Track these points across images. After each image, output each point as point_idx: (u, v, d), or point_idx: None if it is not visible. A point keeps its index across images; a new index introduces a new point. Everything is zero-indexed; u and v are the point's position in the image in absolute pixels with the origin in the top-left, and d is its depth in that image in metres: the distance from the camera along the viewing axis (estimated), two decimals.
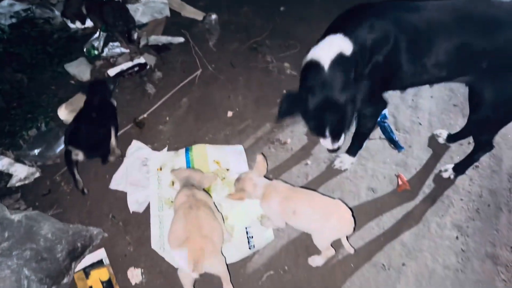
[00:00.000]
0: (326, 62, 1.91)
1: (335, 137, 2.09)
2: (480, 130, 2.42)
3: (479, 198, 2.68)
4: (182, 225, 2.03)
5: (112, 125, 2.61)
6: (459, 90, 3.22)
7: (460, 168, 2.68)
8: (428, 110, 3.08)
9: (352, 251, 2.24)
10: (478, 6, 2.02)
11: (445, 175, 2.71)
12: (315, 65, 1.94)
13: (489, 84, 2.08)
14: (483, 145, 2.50)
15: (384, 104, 2.31)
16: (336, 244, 2.23)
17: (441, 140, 2.89)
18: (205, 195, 2.27)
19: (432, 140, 2.91)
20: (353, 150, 2.68)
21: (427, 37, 2.01)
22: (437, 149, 2.87)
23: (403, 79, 2.16)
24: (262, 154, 2.31)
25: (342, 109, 1.94)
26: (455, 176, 2.70)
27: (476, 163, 2.80)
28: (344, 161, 2.71)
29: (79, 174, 2.53)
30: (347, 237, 2.26)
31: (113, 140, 2.63)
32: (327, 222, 2.11)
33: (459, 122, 3.03)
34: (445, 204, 2.63)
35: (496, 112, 2.17)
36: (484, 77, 2.07)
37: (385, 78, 2.13)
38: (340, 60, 1.91)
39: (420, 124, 2.99)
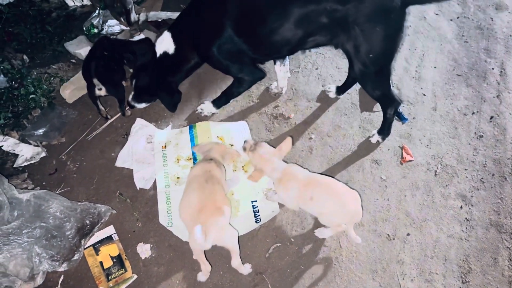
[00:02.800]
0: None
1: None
2: (366, 87, 2.42)
3: (483, 167, 2.68)
4: (197, 196, 2.08)
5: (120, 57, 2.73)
6: (462, 60, 3.18)
7: (382, 131, 2.67)
8: (431, 81, 3.05)
9: (359, 241, 2.25)
10: None
11: (373, 140, 2.72)
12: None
13: (345, 39, 2.15)
14: (385, 102, 2.49)
15: (259, 74, 2.55)
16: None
17: (332, 94, 2.92)
18: (221, 173, 2.29)
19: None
20: (218, 102, 2.79)
21: (261, 12, 2.18)
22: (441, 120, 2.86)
23: (259, 51, 2.39)
24: (291, 137, 2.31)
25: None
26: (383, 139, 2.70)
27: (480, 133, 2.80)
28: (205, 108, 2.82)
29: (88, 152, 2.55)
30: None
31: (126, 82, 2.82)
32: (341, 209, 2.14)
33: (463, 92, 3.00)
34: (449, 174, 2.64)
35: (364, 64, 2.19)
36: (335, 32, 2.15)
37: (237, 52, 2.35)
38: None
39: (424, 95, 2.96)
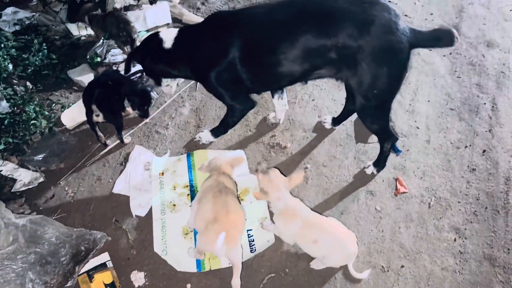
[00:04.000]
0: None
1: None
2: (365, 121, 2.46)
3: (476, 200, 2.72)
4: (210, 206, 2.16)
5: (126, 98, 2.76)
6: (455, 95, 3.27)
7: (378, 163, 2.70)
8: (425, 114, 3.12)
9: (364, 276, 2.30)
10: (309, 2, 2.16)
11: (368, 171, 2.75)
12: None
13: (350, 74, 2.18)
14: (383, 136, 2.54)
15: (251, 104, 2.60)
16: None
17: (328, 125, 2.97)
18: (233, 185, 2.36)
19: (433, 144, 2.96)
20: (216, 132, 2.81)
21: (269, 41, 2.19)
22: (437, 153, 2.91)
23: (259, 82, 2.42)
24: (305, 171, 2.41)
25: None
26: (377, 171, 2.73)
27: (473, 167, 2.85)
28: (203, 137, 2.85)
29: (85, 178, 2.58)
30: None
31: (129, 109, 2.89)
32: (342, 252, 2.20)
33: (456, 126, 3.07)
34: (442, 206, 2.67)
35: (367, 99, 2.23)
36: (341, 68, 2.19)
37: (235, 80, 2.36)
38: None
39: (418, 128, 3.03)
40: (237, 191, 2.45)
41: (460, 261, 2.47)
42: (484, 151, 2.95)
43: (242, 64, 2.27)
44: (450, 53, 3.54)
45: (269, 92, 3.03)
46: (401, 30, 2.04)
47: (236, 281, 2.14)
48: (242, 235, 2.30)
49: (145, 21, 3.44)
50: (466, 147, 2.96)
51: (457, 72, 3.41)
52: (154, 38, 2.51)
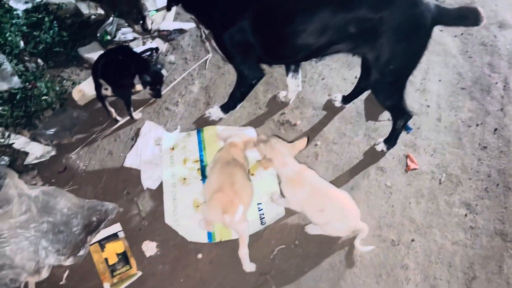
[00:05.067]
0: None
1: None
2: (379, 96, 2.46)
3: (488, 177, 2.72)
4: (217, 176, 2.21)
5: (137, 73, 2.72)
6: (467, 74, 3.26)
7: (389, 141, 2.70)
8: (436, 93, 3.12)
9: (366, 250, 2.31)
10: None
11: (378, 148, 2.75)
12: None
13: (368, 48, 2.17)
14: (396, 113, 2.53)
15: (258, 74, 2.55)
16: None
17: (338, 103, 2.96)
18: (243, 159, 2.38)
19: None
20: (226, 107, 2.82)
21: (286, 12, 2.16)
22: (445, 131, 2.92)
23: (271, 52, 2.40)
24: (308, 138, 2.35)
25: None
26: (387, 149, 2.73)
27: (484, 144, 2.85)
28: (213, 113, 2.85)
29: (97, 152, 2.62)
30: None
31: (139, 87, 2.86)
32: (345, 225, 2.24)
33: (467, 105, 3.07)
34: (453, 183, 2.68)
35: (382, 74, 2.23)
36: (360, 42, 2.16)
37: (246, 45, 2.33)
38: None
39: (428, 106, 3.03)
40: (248, 165, 2.47)
41: (471, 235, 2.48)
42: (495, 129, 2.95)
43: (254, 31, 2.24)
44: (462, 34, 3.53)
45: (279, 70, 3.06)
46: (425, 5, 2.01)
47: (243, 251, 2.17)
48: (248, 207, 2.32)
49: (155, 1, 3.45)
50: (477, 125, 2.96)
51: (468, 52, 3.41)
52: None
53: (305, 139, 2.30)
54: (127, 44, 3.21)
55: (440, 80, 3.20)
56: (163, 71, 3.01)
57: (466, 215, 2.55)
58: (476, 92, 3.15)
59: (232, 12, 2.28)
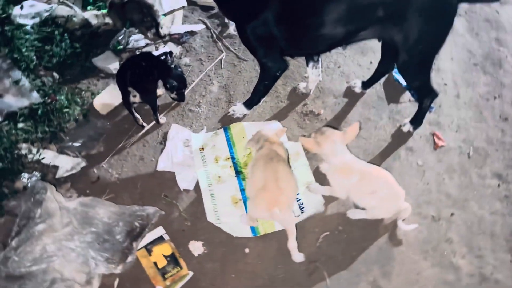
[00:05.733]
0: None
1: None
2: (408, 77, 2.50)
3: None
4: (261, 173, 2.19)
5: (159, 78, 2.74)
6: (477, 51, 3.34)
7: (416, 121, 2.74)
8: (450, 71, 3.19)
9: (411, 228, 2.35)
10: None
11: (405, 129, 2.79)
12: None
13: (396, 31, 2.19)
14: (423, 92, 2.57)
15: (282, 66, 2.55)
16: None
17: (358, 89, 3.00)
18: (285, 153, 2.38)
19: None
20: (249, 103, 2.82)
21: (315, 2, 2.17)
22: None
23: (295, 43, 2.41)
24: (360, 122, 2.39)
25: None
26: (414, 129, 2.77)
27: (505, 116, 2.93)
28: (237, 110, 2.86)
29: (128, 159, 2.62)
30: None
31: (160, 91, 2.87)
32: (393, 203, 2.27)
33: (482, 79, 3.15)
34: (482, 155, 2.75)
35: (411, 55, 2.27)
36: (387, 24, 2.18)
37: (269, 37, 2.33)
38: None
39: (446, 84, 3.10)
40: (288, 160, 2.47)
41: (507, 204, 2.55)
42: None
43: (279, 21, 2.24)
44: (466, 12, 3.61)
45: (294, 62, 3.09)
46: None
47: (292, 244, 2.20)
48: (294, 201, 2.36)
49: (161, 6, 3.46)
50: (495, 98, 3.04)
51: (474, 29, 3.49)
52: None
53: (356, 124, 2.29)
54: (139, 51, 3.21)
55: (452, 59, 3.26)
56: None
57: (499, 185, 2.62)
58: (488, 67, 3.23)
59: (255, 4, 2.29)
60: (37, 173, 2.57)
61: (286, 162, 2.36)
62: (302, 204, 2.47)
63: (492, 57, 3.30)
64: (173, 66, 2.88)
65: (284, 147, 2.44)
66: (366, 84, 2.97)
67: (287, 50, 2.51)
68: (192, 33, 3.36)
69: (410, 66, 2.37)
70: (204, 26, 3.41)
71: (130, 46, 3.21)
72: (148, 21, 3.12)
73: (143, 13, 3.11)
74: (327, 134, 2.26)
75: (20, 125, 2.70)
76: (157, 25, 3.13)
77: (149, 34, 3.26)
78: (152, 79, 2.69)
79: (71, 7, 3.32)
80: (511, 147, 2.79)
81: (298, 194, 2.49)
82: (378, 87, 3.04)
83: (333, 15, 2.17)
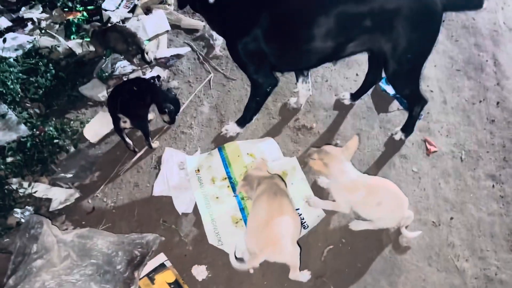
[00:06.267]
0: None
1: None
2: (398, 86, 2.54)
3: (503, 148, 2.86)
4: (265, 208, 2.11)
5: (152, 102, 2.74)
6: (458, 57, 3.44)
7: (407, 128, 2.78)
8: (435, 78, 3.26)
9: (417, 234, 2.36)
10: None
11: (397, 137, 2.83)
12: None
13: (384, 40, 2.23)
14: (413, 100, 2.61)
15: (273, 81, 2.57)
16: None
17: (347, 101, 3.04)
18: (285, 186, 2.34)
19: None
20: (242, 121, 2.83)
21: (301, 15, 2.21)
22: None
23: (285, 59, 2.44)
24: (358, 135, 2.38)
25: None
26: (406, 136, 2.81)
27: (492, 118, 3.00)
28: (230, 129, 2.87)
29: (122, 187, 2.58)
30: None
31: (151, 116, 2.88)
32: (399, 212, 2.27)
33: (466, 84, 3.24)
34: (474, 158, 2.80)
35: (400, 63, 2.31)
36: (376, 35, 2.22)
37: (260, 53, 2.36)
38: None
39: (432, 91, 3.17)
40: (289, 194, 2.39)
41: (503, 204, 2.59)
42: (498, 102, 3.11)
43: (270, 38, 2.27)
44: (443, 20, 3.71)
45: (284, 78, 3.13)
46: None
47: (293, 275, 2.15)
48: (298, 237, 2.23)
49: (145, 31, 3.48)
50: (480, 101, 3.12)
51: (454, 36, 3.60)
52: None
53: (356, 138, 2.28)
54: (125, 77, 3.21)
55: (435, 66, 3.35)
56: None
57: (493, 186, 2.66)
58: (471, 72, 3.32)
59: (245, 20, 2.32)
60: (30, 208, 2.52)
61: (288, 196, 2.29)
62: (303, 218, 2.46)
63: (473, 62, 3.39)
64: (167, 89, 2.90)
65: (282, 180, 2.39)
66: (355, 96, 3.02)
67: (278, 65, 2.53)
68: (178, 56, 3.38)
69: (400, 75, 2.41)
70: (189, 49, 3.44)
71: (116, 72, 3.21)
72: (133, 49, 3.13)
73: (127, 42, 3.12)
74: (333, 154, 2.24)
75: (9, 159, 2.66)
76: (142, 52, 3.14)
77: (135, 60, 3.25)
78: (143, 104, 2.68)
79: (54, 37, 3.31)
80: (501, 148, 2.85)
81: (298, 209, 2.48)
82: (366, 98, 3.09)
83: (322, 28, 2.20)
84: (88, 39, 3.34)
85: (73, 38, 3.41)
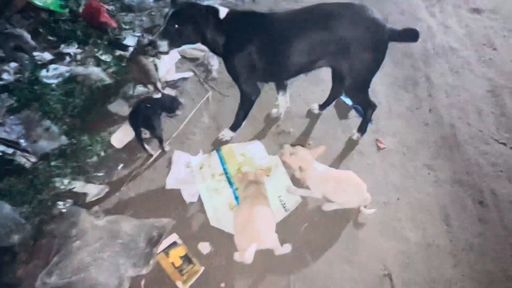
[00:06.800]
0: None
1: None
2: (353, 95, 2.54)
3: (435, 144, 2.87)
4: (248, 210, 2.08)
5: (163, 111, 2.72)
6: (399, 76, 3.44)
7: (361, 130, 2.76)
8: (382, 93, 3.25)
9: (373, 211, 2.34)
10: (317, 8, 2.20)
11: (354, 137, 2.80)
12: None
13: (343, 61, 2.24)
14: (366, 105, 2.60)
15: (257, 92, 2.52)
16: None
17: (316, 111, 3.00)
18: (266, 192, 2.29)
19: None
20: (234, 127, 2.78)
21: (284, 39, 2.20)
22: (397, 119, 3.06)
23: (270, 71, 2.40)
24: (326, 146, 2.40)
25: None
26: (361, 135, 2.79)
27: (426, 122, 3.01)
28: (225, 134, 2.82)
29: (142, 182, 2.53)
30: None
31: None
32: (361, 197, 2.27)
33: (405, 96, 3.24)
34: (413, 152, 2.80)
35: (354, 78, 2.32)
36: (338, 57, 2.23)
37: (251, 67, 2.33)
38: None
39: (380, 102, 3.14)
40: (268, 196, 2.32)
41: (436, 187, 2.59)
42: (430, 109, 3.12)
43: (259, 54, 2.26)
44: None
45: (267, 94, 3.10)
46: (383, 27, 2.14)
47: (277, 252, 2.13)
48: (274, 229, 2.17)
49: (164, 61, 3.37)
50: (416, 109, 3.12)
51: (395, 60, 3.60)
52: (213, 8, 2.30)
53: (324, 147, 2.33)
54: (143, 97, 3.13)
55: (382, 83, 3.34)
56: (178, 112, 2.95)
57: (429, 173, 2.67)
58: (409, 87, 3.33)
59: (243, 41, 2.29)
60: (70, 200, 2.45)
61: (268, 200, 2.23)
62: (284, 204, 2.43)
63: (410, 79, 3.40)
64: (166, 95, 2.84)
65: (265, 188, 2.31)
66: (322, 106, 3.00)
67: (264, 76, 2.48)
68: (184, 79, 3.33)
69: (354, 88, 2.41)
70: (192, 73, 3.39)
71: (136, 94, 3.14)
72: (147, 82, 3.01)
73: (145, 80, 3.00)
74: (301, 155, 2.26)
75: (53, 163, 2.59)
76: (155, 84, 3.00)
77: (149, 86, 3.18)
78: (158, 118, 2.63)
79: (87, 67, 3.24)
80: (433, 144, 2.86)
81: (280, 196, 2.45)
82: (331, 108, 3.08)
83: (298, 48, 2.21)
84: (114, 68, 3.27)
85: (103, 68, 3.33)
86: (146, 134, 2.59)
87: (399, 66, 3.54)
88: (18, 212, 2.31)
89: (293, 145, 2.42)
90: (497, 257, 2.29)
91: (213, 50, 2.44)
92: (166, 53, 2.32)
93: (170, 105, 2.76)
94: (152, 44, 2.22)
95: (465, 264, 2.25)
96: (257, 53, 2.28)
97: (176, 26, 2.19)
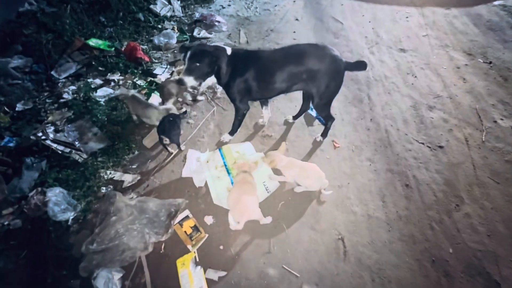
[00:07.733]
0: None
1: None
2: (319, 110, 2.43)
3: (375, 144, 2.74)
4: (238, 191, 1.99)
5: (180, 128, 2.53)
6: (349, 95, 3.30)
7: (323, 134, 2.66)
8: (337, 107, 3.11)
9: (329, 192, 2.23)
10: (293, 48, 2.11)
11: (318, 139, 2.68)
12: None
13: (312, 85, 2.15)
14: (327, 118, 2.50)
15: (247, 107, 2.39)
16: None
17: (290, 120, 2.85)
18: (253, 179, 2.18)
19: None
20: (231, 132, 2.65)
21: (270, 69, 2.11)
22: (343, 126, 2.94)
23: (260, 92, 2.29)
24: (285, 142, 2.28)
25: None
26: (323, 138, 2.67)
27: (368, 127, 2.89)
28: (225, 137, 2.69)
29: (165, 172, 2.37)
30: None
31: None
32: (320, 181, 2.15)
33: (354, 110, 3.10)
34: (359, 149, 2.68)
35: (320, 98, 2.23)
36: (308, 82, 2.15)
37: (246, 89, 2.22)
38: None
39: (336, 114, 3.03)
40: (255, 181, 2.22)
41: (375, 175, 2.47)
42: (371, 119, 3.00)
43: (254, 80, 2.17)
44: None
45: (255, 109, 2.97)
46: (340, 61, 2.05)
47: (261, 222, 2.03)
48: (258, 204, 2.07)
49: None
50: (362, 119, 3.00)
51: (346, 84, 3.47)
52: (223, 47, 2.17)
53: (284, 144, 2.25)
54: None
55: (337, 100, 3.20)
56: (190, 120, 2.80)
57: (370, 164, 2.56)
58: (356, 103, 3.21)
59: (243, 70, 2.17)
60: (111, 186, 2.31)
61: (254, 185, 2.12)
62: (267, 187, 2.31)
63: (357, 98, 3.28)
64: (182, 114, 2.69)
65: (252, 176, 2.21)
66: (295, 117, 2.88)
67: (256, 96, 2.34)
68: (198, 100, 3.18)
69: (320, 105, 2.30)
70: (205, 97, 3.23)
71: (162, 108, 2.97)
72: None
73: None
74: (271, 154, 2.19)
75: (99, 159, 2.44)
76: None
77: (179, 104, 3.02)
78: (176, 128, 2.47)
79: (127, 89, 3.07)
80: (373, 144, 2.74)
81: (264, 182, 2.33)
82: (301, 119, 2.95)
83: (280, 77, 2.12)
84: (145, 90, 3.11)
85: (138, 90, 3.17)
86: (167, 140, 2.44)
87: (349, 89, 3.42)
88: (71, 195, 2.16)
89: (274, 149, 2.30)
90: (418, 224, 2.19)
91: (218, 79, 2.31)
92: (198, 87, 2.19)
93: (184, 114, 2.63)
94: (181, 82, 2.05)
95: (396, 229, 2.15)
96: (252, 80, 2.18)
97: (197, 64, 2.03)
